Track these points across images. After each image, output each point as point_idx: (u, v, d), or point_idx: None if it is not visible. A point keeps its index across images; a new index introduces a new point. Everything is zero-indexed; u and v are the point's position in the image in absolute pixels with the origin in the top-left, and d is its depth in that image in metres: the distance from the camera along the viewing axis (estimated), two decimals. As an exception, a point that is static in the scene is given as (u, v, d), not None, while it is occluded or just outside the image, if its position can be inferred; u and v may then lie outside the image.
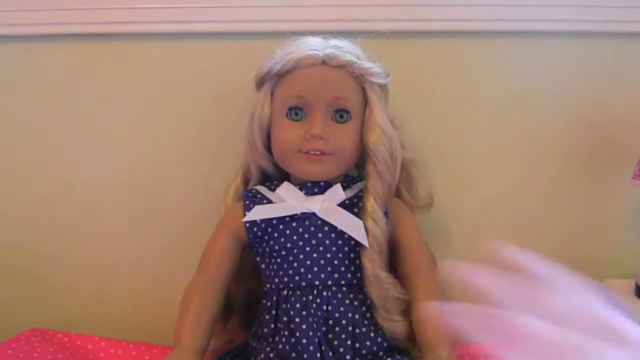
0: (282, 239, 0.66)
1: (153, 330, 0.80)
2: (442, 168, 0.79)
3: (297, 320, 0.63)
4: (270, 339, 0.65)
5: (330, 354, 0.62)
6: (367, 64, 0.66)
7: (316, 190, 0.67)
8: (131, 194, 0.82)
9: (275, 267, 0.67)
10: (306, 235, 0.65)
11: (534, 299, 0.37)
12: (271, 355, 0.64)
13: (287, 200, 0.67)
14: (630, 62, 0.77)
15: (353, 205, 0.67)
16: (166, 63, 0.79)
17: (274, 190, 0.69)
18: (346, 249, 0.66)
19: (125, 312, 0.84)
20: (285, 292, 0.65)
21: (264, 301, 0.68)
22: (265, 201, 0.68)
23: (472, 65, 0.78)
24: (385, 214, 0.66)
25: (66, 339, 0.77)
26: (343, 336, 0.63)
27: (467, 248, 0.81)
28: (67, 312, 0.84)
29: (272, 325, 0.65)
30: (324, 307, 0.64)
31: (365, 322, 0.65)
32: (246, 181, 0.73)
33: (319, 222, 0.66)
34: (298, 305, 0.64)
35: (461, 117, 0.79)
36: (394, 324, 0.65)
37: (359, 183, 0.70)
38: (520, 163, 0.80)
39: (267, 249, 0.67)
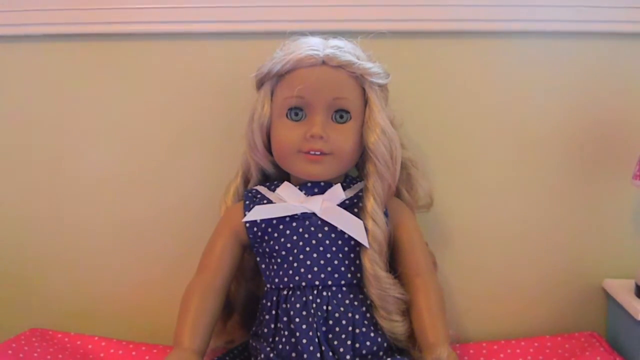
0: (282, 239, 0.66)
1: (153, 330, 0.80)
2: (442, 168, 0.79)
3: (297, 320, 0.63)
4: (270, 339, 0.65)
5: (330, 354, 0.62)
6: (367, 64, 0.66)
7: (316, 190, 0.67)
8: (131, 194, 0.82)
9: (275, 267, 0.67)
10: (306, 235, 0.65)
11: None
12: (271, 355, 0.64)
13: (287, 201, 0.67)
14: (630, 62, 0.77)
15: (353, 205, 0.67)
16: (166, 63, 0.79)
17: (274, 191, 0.69)
18: (346, 249, 0.66)
19: (125, 312, 0.83)
20: (285, 292, 0.65)
21: (264, 301, 0.68)
22: (265, 201, 0.68)
23: (472, 65, 0.78)
24: (385, 214, 0.67)
25: (66, 339, 0.77)
26: (343, 336, 0.63)
27: (467, 248, 0.81)
28: (67, 312, 0.84)
29: (272, 325, 0.65)
30: (324, 307, 0.64)
31: (365, 322, 0.65)
32: (246, 181, 0.73)
33: (319, 222, 0.66)
34: (298, 305, 0.64)
35: (461, 117, 0.79)
36: (394, 324, 0.65)
37: (359, 183, 0.70)
38: (520, 163, 0.79)
39: (267, 249, 0.67)
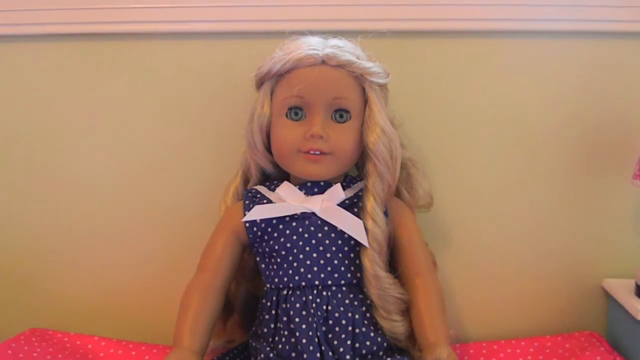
0: (282, 239, 0.66)
1: (153, 330, 0.80)
2: (442, 168, 0.79)
3: (297, 320, 0.63)
4: (270, 339, 0.65)
5: (330, 354, 0.62)
6: (367, 64, 0.66)
7: (316, 190, 0.67)
8: (131, 194, 0.82)
9: (275, 267, 0.67)
10: (306, 235, 0.65)
11: None
12: (271, 355, 0.64)
13: (287, 200, 0.67)
14: (630, 62, 0.77)
15: (353, 205, 0.67)
16: (166, 63, 0.79)
17: (273, 190, 0.69)
18: (346, 248, 0.66)
19: (125, 312, 0.83)
20: (285, 292, 0.65)
21: (264, 301, 0.68)
22: (265, 201, 0.68)
23: (472, 65, 0.78)
24: (385, 213, 0.67)
25: (66, 339, 0.77)
26: (343, 336, 0.63)
27: (467, 248, 0.81)
28: (67, 312, 0.84)
29: (272, 325, 0.65)
30: (324, 307, 0.64)
31: (365, 322, 0.65)
32: (246, 181, 0.73)
33: (319, 222, 0.66)
34: (298, 305, 0.64)
35: (461, 117, 0.79)
36: (393, 324, 0.65)
37: (359, 183, 0.70)
38: (520, 162, 0.79)
39: (267, 249, 0.67)
